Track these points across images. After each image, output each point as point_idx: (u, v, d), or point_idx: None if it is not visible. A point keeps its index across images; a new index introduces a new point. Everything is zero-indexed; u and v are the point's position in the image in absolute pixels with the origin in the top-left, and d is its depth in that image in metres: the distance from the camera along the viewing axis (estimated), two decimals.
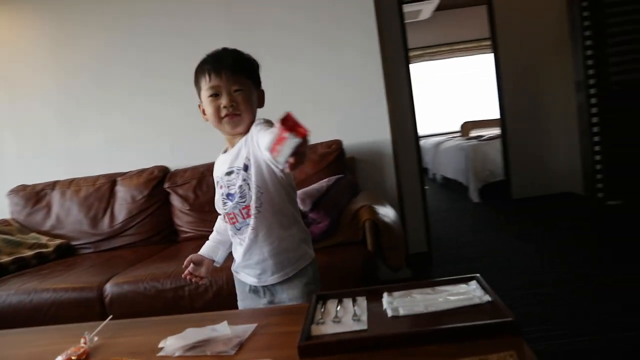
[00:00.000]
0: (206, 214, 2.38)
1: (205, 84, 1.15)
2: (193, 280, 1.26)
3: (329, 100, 2.58)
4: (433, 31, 6.65)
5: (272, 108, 2.36)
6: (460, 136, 6.37)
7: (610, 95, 2.77)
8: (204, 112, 1.21)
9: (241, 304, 1.31)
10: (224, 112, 1.15)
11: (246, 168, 1.17)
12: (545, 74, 4.07)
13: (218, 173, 1.25)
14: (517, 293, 2.13)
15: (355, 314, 0.96)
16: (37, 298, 1.82)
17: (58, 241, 2.43)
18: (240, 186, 1.17)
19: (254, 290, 1.25)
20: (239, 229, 1.20)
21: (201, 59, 1.22)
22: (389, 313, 0.95)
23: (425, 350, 0.79)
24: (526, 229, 3.29)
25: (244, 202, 1.18)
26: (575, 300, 1.98)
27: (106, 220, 2.46)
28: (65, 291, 1.82)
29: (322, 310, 1.00)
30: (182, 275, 1.26)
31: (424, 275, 2.61)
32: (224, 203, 1.22)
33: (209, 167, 2.42)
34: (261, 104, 1.23)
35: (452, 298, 0.98)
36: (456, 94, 6.92)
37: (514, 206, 4.06)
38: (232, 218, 1.21)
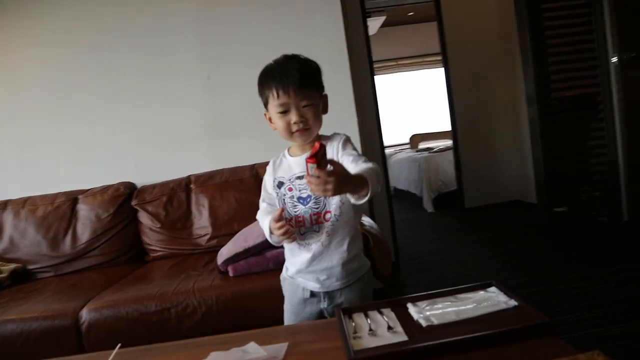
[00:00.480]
0: (178, 231, 2.29)
1: (273, 100, 1.16)
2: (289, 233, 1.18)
3: None
4: (380, 47, 6.86)
5: (243, 118, 2.34)
6: (409, 148, 6.59)
7: (552, 109, 2.99)
8: (270, 121, 1.24)
9: (293, 309, 1.29)
10: (294, 128, 1.17)
11: None
12: (492, 88, 4.33)
13: (285, 175, 1.24)
14: None
15: (389, 326, 0.96)
16: (1, 330, 1.66)
17: (12, 265, 2.23)
18: None
19: (313, 294, 1.25)
20: (302, 234, 1.21)
21: (266, 66, 1.21)
22: (423, 323, 0.95)
23: (475, 356, 0.81)
24: (484, 236, 3.44)
25: (317, 208, 1.20)
26: (542, 301, 2.09)
27: (68, 241, 2.29)
28: (35, 320, 1.66)
29: (353, 324, 0.99)
30: (281, 234, 1.16)
31: (396, 285, 2.65)
32: (294, 205, 1.21)
33: (180, 183, 2.37)
34: (325, 109, 1.24)
35: (480, 305, 1.00)
36: (406, 107, 7.16)
37: (468, 215, 4.25)
38: (300, 221, 1.20)
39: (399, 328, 0.95)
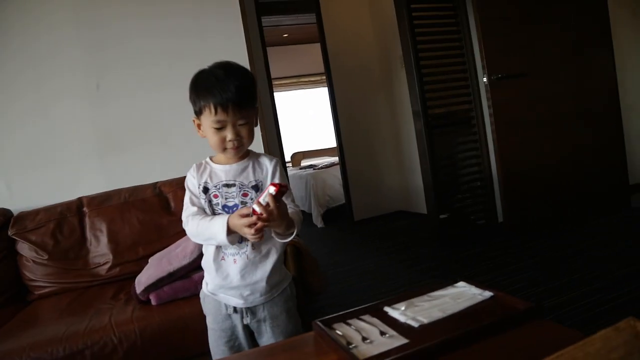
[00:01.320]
0: (71, 262, 1.97)
1: (209, 115, 1.13)
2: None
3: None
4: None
5: (140, 131, 2.12)
6: (291, 166, 6.66)
7: (435, 124, 3.28)
8: (199, 127, 1.21)
9: (219, 325, 1.24)
10: (229, 145, 1.16)
11: (257, 189, 1.19)
12: (374, 106, 4.60)
13: (210, 181, 1.20)
14: None
15: (381, 332, 0.92)
16: None
17: None
18: (243, 202, 1.17)
19: (235, 311, 1.22)
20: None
21: (202, 75, 1.17)
22: (414, 324, 0.94)
23: (481, 347, 0.82)
24: (381, 245, 3.58)
25: None
26: None
27: None
28: None
29: (340, 334, 0.94)
30: (254, 230, 1.07)
31: (310, 299, 2.61)
32: (219, 214, 1.17)
33: (70, 206, 2.06)
34: (256, 122, 1.22)
35: (459, 300, 1.02)
36: (287, 126, 7.26)
37: (359, 227, 4.41)
38: None
39: (392, 332, 0.92)
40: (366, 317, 1.01)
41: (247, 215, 1.06)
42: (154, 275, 1.53)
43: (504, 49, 3.03)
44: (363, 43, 4.56)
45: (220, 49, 2.43)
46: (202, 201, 1.20)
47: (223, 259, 1.19)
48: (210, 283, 1.24)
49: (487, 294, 1.03)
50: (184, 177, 2.15)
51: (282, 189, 1.03)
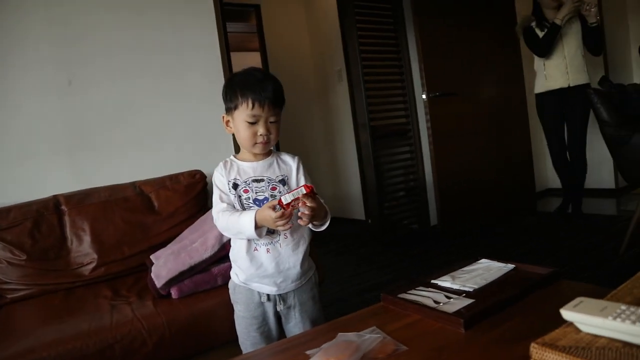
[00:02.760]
0: (51, 263, 1.87)
1: (246, 109, 1.22)
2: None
3: (179, 130, 2.45)
4: None
5: (116, 129, 2.09)
6: None
7: (377, 135, 3.58)
8: (227, 124, 1.31)
9: (249, 313, 1.32)
10: (259, 140, 1.25)
11: (284, 183, 1.30)
12: (311, 119, 4.81)
13: (239, 177, 1.29)
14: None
15: (446, 296, 1.11)
16: None
17: None
18: (273, 196, 1.27)
19: (268, 299, 1.31)
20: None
21: (239, 76, 1.27)
22: (467, 289, 1.14)
23: (532, 300, 1.04)
24: (328, 249, 3.76)
25: None
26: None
27: None
28: None
29: (417, 300, 1.10)
30: (283, 223, 1.15)
31: None
32: (250, 207, 1.26)
33: (46, 204, 1.98)
34: None
35: (490, 271, 1.25)
36: None
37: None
38: None
39: (455, 296, 1.11)
40: (421, 288, 1.19)
41: (275, 208, 1.15)
42: (175, 269, 1.55)
43: (440, 70, 3.43)
44: (300, 55, 4.76)
45: (194, 44, 2.46)
46: (232, 197, 1.27)
47: (256, 249, 1.27)
48: (242, 274, 1.31)
49: (510, 265, 1.27)
50: (162, 177, 2.20)
51: (312, 192, 1.14)
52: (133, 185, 2.16)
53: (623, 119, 2.54)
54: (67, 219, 1.95)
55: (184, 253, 1.60)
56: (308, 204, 1.13)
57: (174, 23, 2.43)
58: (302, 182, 1.33)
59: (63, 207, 1.98)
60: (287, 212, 1.13)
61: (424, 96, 3.43)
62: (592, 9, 3.15)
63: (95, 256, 1.92)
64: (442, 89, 3.43)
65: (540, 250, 2.89)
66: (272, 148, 1.34)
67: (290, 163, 1.35)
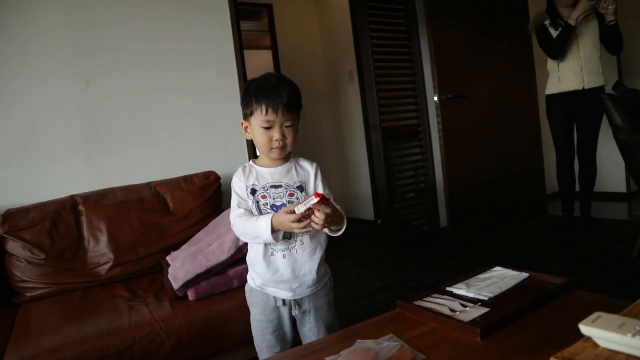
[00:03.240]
0: (68, 262, 1.91)
1: (260, 115, 1.24)
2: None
3: (194, 130, 2.48)
4: None
5: (131, 130, 2.11)
6: None
7: (388, 136, 3.59)
8: (246, 130, 1.32)
9: (267, 317, 1.34)
10: (275, 145, 1.27)
11: (302, 189, 1.32)
12: (320, 119, 4.82)
13: (257, 183, 1.31)
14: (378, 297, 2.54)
15: (461, 304, 1.12)
16: None
17: None
18: (290, 202, 1.28)
19: (284, 304, 1.33)
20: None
21: (255, 81, 1.29)
22: (483, 297, 1.15)
23: (546, 311, 1.05)
24: (337, 252, 3.77)
25: None
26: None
27: None
28: None
29: (433, 307, 1.12)
30: (300, 225, 1.16)
31: None
32: (267, 212, 1.27)
33: (64, 205, 2.02)
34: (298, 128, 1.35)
35: (505, 279, 1.26)
36: None
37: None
38: None
39: (471, 305, 1.12)
40: (436, 295, 1.21)
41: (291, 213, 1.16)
42: (192, 271, 1.58)
43: (451, 73, 3.43)
44: (311, 55, 4.78)
45: (208, 43, 2.49)
46: (250, 202, 1.29)
47: (272, 255, 1.28)
48: (258, 278, 1.32)
49: (524, 274, 1.28)
50: (177, 178, 2.23)
51: (324, 200, 1.14)
52: (148, 185, 2.19)
53: (637, 124, 2.53)
54: (84, 219, 1.99)
55: (200, 255, 1.62)
56: (321, 211, 1.14)
57: (190, 22, 2.46)
58: (320, 189, 1.36)
59: (80, 207, 2.01)
60: (302, 219, 1.15)
61: (435, 98, 3.44)
62: (610, 6, 2.97)
63: (112, 256, 1.96)
64: (453, 91, 3.43)
65: (550, 254, 2.88)
66: (290, 153, 1.36)
67: (309, 169, 1.37)
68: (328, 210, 1.16)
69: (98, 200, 2.04)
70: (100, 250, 1.96)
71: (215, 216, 2.20)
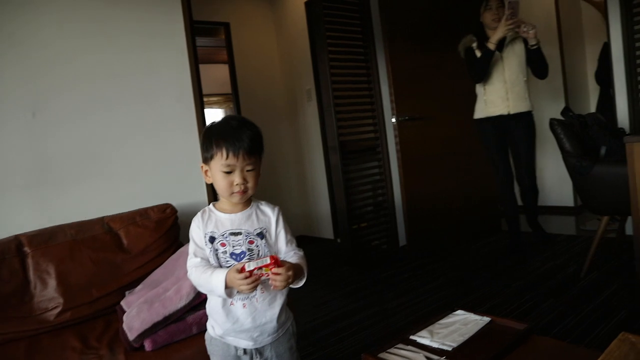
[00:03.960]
0: (13, 309, 1.78)
1: (220, 159, 1.22)
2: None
3: (149, 161, 2.39)
4: None
5: (82, 162, 2.01)
6: None
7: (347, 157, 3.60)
8: (206, 173, 1.29)
9: None
10: (236, 189, 1.24)
11: (262, 236, 1.29)
12: (279, 141, 4.80)
13: (216, 230, 1.27)
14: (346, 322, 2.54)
15: (426, 357, 1.13)
16: None
17: None
18: (250, 249, 1.26)
19: (245, 352, 1.30)
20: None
21: (216, 125, 1.26)
22: (446, 348, 1.17)
23: (516, 356, 1.07)
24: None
25: None
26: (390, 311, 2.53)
27: None
28: None
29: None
30: (247, 286, 1.15)
31: None
32: (227, 261, 1.25)
33: (8, 246, 1.90)
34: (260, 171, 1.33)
35: (467, 325, 1.28)
36: None
37: None
38: None
39: (435, 356, 1.13)
40: (400, 346, 1.21)
41: (241, 271, 1.13)
42: (149, 319, 1.51)
43: (409, 95, 3.50)
44: (269, 73, 4.76)
45: (164, 70, 2.42)
46: (207, 251, 1.27)
47: (232, 304, 1.25)
48: (218, 327, 1.29)
49: (486, 319, 1.30)
50: (132, 212, 2.14)
51: (277, 263, 1.14)
52: (101, 221, 2.09)
53: (585, 149, 2.65)
54: (30, 261, 1.87)
55: (157, 302, 1.56)
56: (274, 272, 1.14)
57: (144, 50, 2.38)
58: (282, 236, 1.34)
59: (26, 248, 1.89)
60: (252, 278, 1.13)
61: (393, 120, 3.49)
62: (531, 30, 2.96)
63: (61, 300, 1.85)
64: (411, 112, 3.50)
65: (505, 273, 2.97)
66: (251, 197, 1.33)
67: (270, 214, 1.34)
68: (290, 273, 1.16)
69: (46, 240, 1.93)
70: (48, 294, 1.85)
71: (173, 251, 2.14)
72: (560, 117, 2.84)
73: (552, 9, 4.35)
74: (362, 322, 2.50)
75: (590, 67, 4.52)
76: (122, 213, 2.16)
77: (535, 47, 3.06)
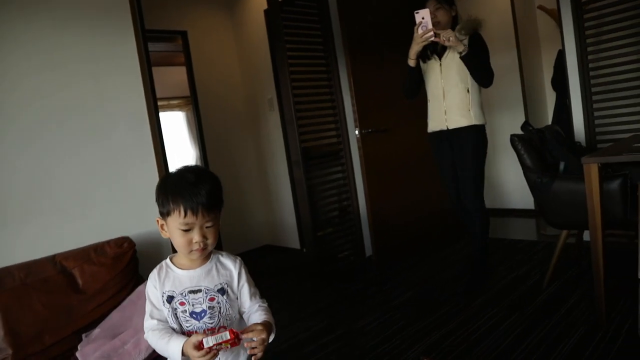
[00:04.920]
0: None
1: (178, 217, 1.16)
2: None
3: (103, 191, 2.26)
4: None
5: (31, 193, 1.90)
6: None
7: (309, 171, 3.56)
8: (162, 228, 1.24)
9: None
10: (195, 247, 1.19)
11: (223, 292, 1.25)
12: (242, 149, 4.70)
13: (175, 289, 1.22)
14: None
15: None
16: None
17: None
18: (211, 307, 1.22)
19: None
20: None
21: (172, 178, 1.22)
22: None
23: None
24: (262, 286, 3.68)
25: (211, 323, 1.22)
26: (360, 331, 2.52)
27: None
28: None
29: None
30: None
31: None
32: (187, 320, 1.21)
33: None
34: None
35: None
36: None
37: None
38: None
39: None
40: None
41: (199, 347, 1.09)
42: None
43: (372, 108, 3.49)
44: (230, 81, 4.66)
45: (117, 94, 2.30)
46: (165, 311, 1.22)
47: None
48: None
49: None
50: (86, 248, 2.04)
51: (237, 339, 1.10)
52: (53, 261, 1.97)
53: (544, 165, 2.71)
54: None
55: (115, 357, 1.48)
56: (257, 349, 1.13)
57: (93, 74, 2.24)
58: (245, 290, 1.31)
59: None
60: (211, 354, 1.09)
61: (356, 132, 3.47)
62: (451, 38, 2.60)
63: (10, 351, 1.73)
64: (374, 125, 3.49)
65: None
66: (211, 250, 1.27)
67: (231, 267, 1.30)
68: (264, 337, 1.16)
69: None
70: None
71: (132, 287, 2.05)
72: (520, 132, 2.89)
73: (509, 16, 4.43)
74: (331, 345, 2.47)
75: (547, 73, 4.64)
76: (76, 249, 2.05)
77: (462, 53, 2.65)
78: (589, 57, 3.31)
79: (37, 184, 2.09)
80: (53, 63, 2.14)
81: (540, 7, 4.38)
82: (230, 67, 4.68)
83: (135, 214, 2.31)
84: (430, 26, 2.60)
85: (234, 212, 4.62)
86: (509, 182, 4.65)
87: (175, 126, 7.25)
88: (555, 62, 4.25)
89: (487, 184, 4.75)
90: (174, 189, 1.18)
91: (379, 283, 3.31)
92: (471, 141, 2.81)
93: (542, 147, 2.79)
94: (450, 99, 2.83)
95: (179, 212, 1.15)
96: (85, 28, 2.22)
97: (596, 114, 3.28)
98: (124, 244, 2.12)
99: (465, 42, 2.70)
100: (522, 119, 4.51)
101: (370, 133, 3.47)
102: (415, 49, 2.74)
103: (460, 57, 2.68)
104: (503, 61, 4.46)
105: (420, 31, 2.63)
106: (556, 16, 3.59)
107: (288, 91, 3.39)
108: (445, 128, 2.88)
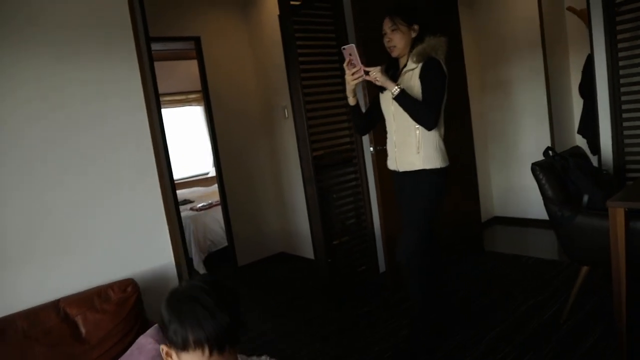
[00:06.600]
0: None
1: (201, 356, 0.98)
2: None
3: (106, 230, 2.22)
4: None
5: (32, 233, 1.85)
6: None
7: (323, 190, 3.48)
8: (169, 355, 1.05)
9: None
10: None
11: None
12: (255, 155, 4.63)
13: None
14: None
15: None
16: None
17: None
18: None
19: None
20: None
21: (188, 301, 1.01)
22: None
23: None
24: (271, 300, 3.66)
25: None
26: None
27: None
28: None
29: None
30: None
31: None
32: None
33: None
34: None
35: None
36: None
37: (243, 273, 4.42)
38: None
39: None
40: None
41: None
42: None
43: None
44: (245, 88, 4.57)
45: (121, 127, 2.24)
46: None
47: None
48: None
49: None
50: (89, 293, 2.01)
51: None
52: (56, 307, 1.95)
53: (567, 195, 2.56)
54: None
55: None
56: None
57: (99, 108, 2.18)
58: None
59: None
60: None
61: (371, 149, 3.36)
62: (377, 78, 2.31)
63: None
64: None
65: (482, 316, 2.88)
66: None
67: None
68: None
69: None
70: None
71: (136, 332, 2.02)
72: (541, 151, 2.74)
73: (535, 16, 4.19)
74: None
75: (575, 78, 4.40)
76: (80, 293, 2.03)
77: (395, 93, 2.30)
78: (620, 64, 3.09)
79: (39, 224, 2.04)
80: (51, 90, 2.08)
81: (570, 9, 4.12)
82: (245, 74, 4.58)
83: (139, 249, 2.26)
84: (359, 64, 2.30)
85: (248, 220, 4.60)
86: (530, 191, 4.47)
87: (193, 121, 7.23)
88: (583, 66, 4.01)
89: (508, 192, 4.62)
90: (192, 316, 0.99)
91: (391, 307, 3.23)
92: (415, 187, 2.47)
93: (565, 176, 2.64)
94: (400, 136, 2.51)
95: (203, 351, 0.98)
96: (84, 56, 2.15)
97: (626, 132, 3.08)
98: (128, 287, 2.08)
99: (417, 70, 2.37)
100: (547, 124, 4.31)
101: (384, 150, 3.35)
102: (349, 88, 2.47)
103: (394, 99, 2.33)
104: (527, 63, 4.25)
105: (348, 70, 2.34)
106: (586, 18, 3.36)
107: (301, 106, 3.29)
108: (396, 168, 2.59)
